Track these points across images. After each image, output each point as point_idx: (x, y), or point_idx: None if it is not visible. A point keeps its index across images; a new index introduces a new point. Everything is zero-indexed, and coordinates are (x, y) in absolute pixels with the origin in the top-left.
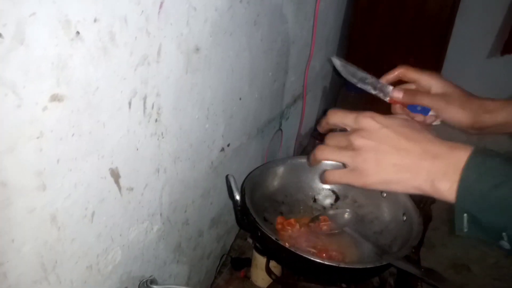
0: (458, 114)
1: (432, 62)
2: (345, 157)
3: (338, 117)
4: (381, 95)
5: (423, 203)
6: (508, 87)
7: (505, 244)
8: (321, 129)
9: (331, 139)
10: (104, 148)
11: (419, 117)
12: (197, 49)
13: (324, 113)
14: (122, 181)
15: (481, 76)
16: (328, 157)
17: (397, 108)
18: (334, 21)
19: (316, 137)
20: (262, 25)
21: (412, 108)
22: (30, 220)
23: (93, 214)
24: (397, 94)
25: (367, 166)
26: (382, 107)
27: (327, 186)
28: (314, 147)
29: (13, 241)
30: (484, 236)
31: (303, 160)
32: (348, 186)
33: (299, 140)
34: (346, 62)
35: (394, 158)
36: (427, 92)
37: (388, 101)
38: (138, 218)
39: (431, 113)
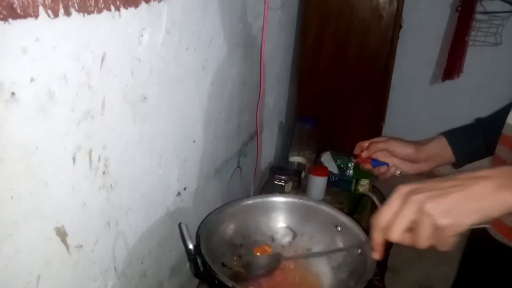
0: (404, 148)
1: (378, 92)
2: (422, 224)
3: (387, 215)
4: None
5: None
6: (451, 109)
7: None
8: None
9: (397, 222)
10: (47, 207)
11: (383, 168)
12: (144, 98)
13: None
14: (69, 240)
15: (426, 101)
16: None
17: (364, 165)
18: (283, 60)
19: (275, 171)
20: (210, 70)
21: (375, 163)
22: None
23: (38, 278)
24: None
25: (441, 206)
26: (337, 138)
27: (283, 224)
28: (274, 181)
29: None
30: None
31: (259, 200)
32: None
33: (258, 176)
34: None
35: (458, 184)
36: (379, 141)
37: (355, 161)
38: (90, 276)
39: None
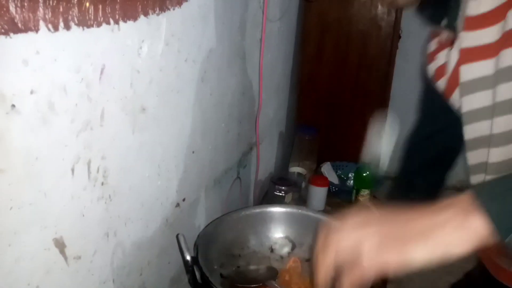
0: None
1: (378, 101)
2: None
3: (328, 253)
4: None
5: None
6: None
7: None
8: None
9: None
10: (46, 218)
11: None
12: (143, 109)
13: None
14: (68, 250)
15: None
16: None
17: None
18: (283, 70)
19: (275, 182)
20: (210, 81)
21: None
22: None
23: None
24: None
25: (373, 252)
26: (337, 147)
27: (282, 235)
28: (274, 192)
29: None
30: None
31: (257, 210)
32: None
33: (258, 186)
34: None
35: (401, 227)
36: None
37: None
38: (88, 287)
39: None
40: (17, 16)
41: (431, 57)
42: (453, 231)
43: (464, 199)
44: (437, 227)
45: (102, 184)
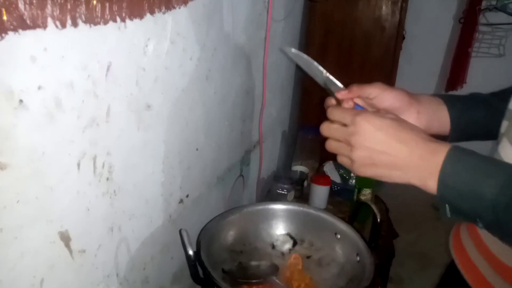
0: (394, 96)
1: None
2: (343, 148)
3: (336, 115)
4: (330, 91)
5: (375, 241)
6: None
7: (479, 225)
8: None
9: (332, 129)
10: (52, 212)
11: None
12: (148, 107)
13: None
14: (73, 244)
15: None
16: (331, 135)
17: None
18: (287, 70)
19: (278, 180)
20: (214, 79)
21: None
22: None
23: (42, 281)
24: (340, 96)
25: (363, 162)
26: None
27: (283, 231)
28: (277, 190)
29: None
30: (463, 220)
31: (259, 207)
32: None
33: (261, 184)
34: (302, 53)
35: (386, 159)
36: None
37: (335, 96)
38: (92, 281)
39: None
40: (25, 13)
41: None
42: (413, 181)
43: (440, 156)
44: (403, 173)
45: (107, 179)
